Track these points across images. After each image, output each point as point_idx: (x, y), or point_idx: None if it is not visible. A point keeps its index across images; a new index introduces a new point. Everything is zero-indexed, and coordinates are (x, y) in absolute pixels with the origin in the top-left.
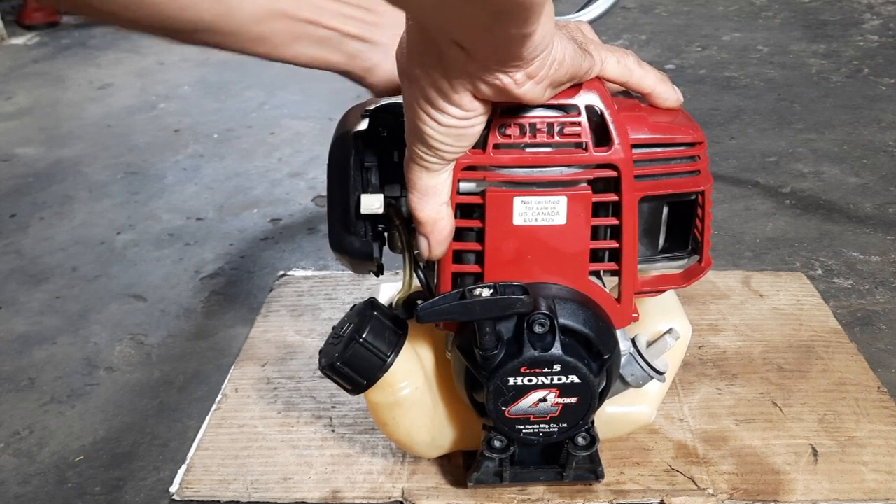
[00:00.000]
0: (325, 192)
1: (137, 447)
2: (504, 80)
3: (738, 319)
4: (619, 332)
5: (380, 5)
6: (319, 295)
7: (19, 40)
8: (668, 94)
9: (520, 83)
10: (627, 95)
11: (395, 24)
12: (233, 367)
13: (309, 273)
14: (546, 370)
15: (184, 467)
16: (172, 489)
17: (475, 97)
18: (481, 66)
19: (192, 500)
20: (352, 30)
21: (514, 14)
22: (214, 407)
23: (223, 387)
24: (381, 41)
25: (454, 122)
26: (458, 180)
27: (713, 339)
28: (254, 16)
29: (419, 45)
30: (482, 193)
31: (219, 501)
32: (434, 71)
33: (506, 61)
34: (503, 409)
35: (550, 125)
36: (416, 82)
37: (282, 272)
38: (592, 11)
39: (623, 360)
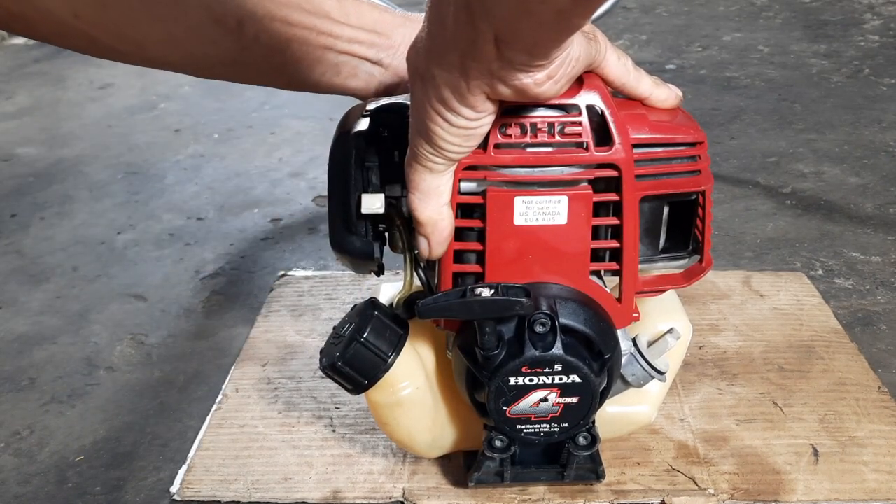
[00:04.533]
0: (325, 192)
1: (138, 447)
2: (525, 80)
3: (738, 319)
4: (619, 332)
5: (390, 29)
6: (320, 295)
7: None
8: (665, 95)
9: (540, 83)
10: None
11: (405, 46)
12: (233, 367)
13: (309, 273)
14: (547, 370)
15: (184, 467)
16: (173, 489)
17: (489, 98)
18: (507, 64)
19: (192, 501)
20: (366, 54)
21: (578, 11)
22: (215, 407)
23: (223, 387)
24: (392, 64)
25: (465, 122)
26: (459, 180)
27: (714, 339)
28: (272, 46)
29: (445, 43)
30: (483, 193)
31: (219, 501)
32: (454, 70)
33: (534, 58)
34: (504, 408)
35: (551, 125)
36: (432, 82)
37: (282, 272)
38: None
39: (624, 359)
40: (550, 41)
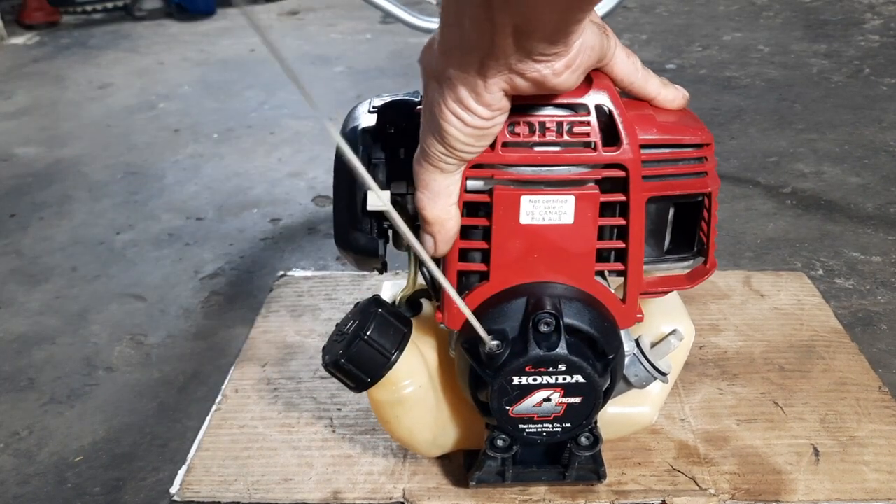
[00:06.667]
0: (324, 192)
1: (137, 448)
2: (544, 71)
3: (739, 319)
4: (623, 333)
5: None
6: (319, 295)
7: (19, 40)
8: (672, 96)
9: (558, 73)
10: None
11: None
12: (233, 368)
13: (309, 273)
14: (551, 369)
15: (184, 468)
16: (173, 490)
17: (506, 95)
18: (526, 56)
19: (192, 501)
20: None
21: None
22: (214, 407)
23: (223, 387)
24: None
25: (480, 122)
26: (466, 178)
27: (714, 339)
28: None
29: (462, 43)
30: (490, 192)
31: (219, 502)
32: (471, 69)
33: (554, 45)
34: (507, 408)
35: (560, 124)
36: (449, 83)
37: (281, 272)
38: (597, 10)
39: (627, 360)
40: (571, 22)
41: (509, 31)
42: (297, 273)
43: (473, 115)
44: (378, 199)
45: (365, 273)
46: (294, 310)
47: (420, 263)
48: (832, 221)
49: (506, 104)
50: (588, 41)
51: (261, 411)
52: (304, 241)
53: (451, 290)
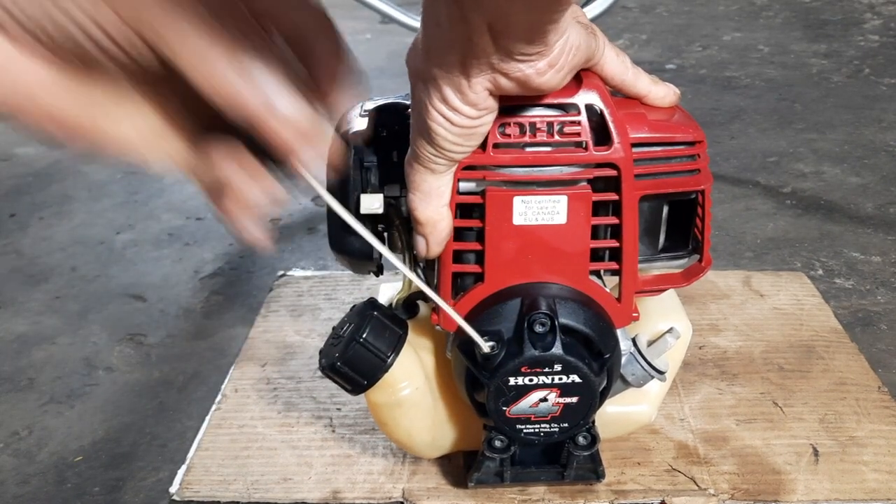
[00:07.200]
0: None
1: (137, 447)
2: (527, 70)
3: (738, 319)
4: (619, 332)
5: None
6: (319, 295)
7: None
8: (663, 93)
9: (542, 72)
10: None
11: None
12: (232, 368)
13: (308, 273)
14: (547, 370)
15: (184, 468)
16: (172, 489)
17: (491, 94)
18: (506, 55)
19: (191, 501)
20: None
21: None
22: (214, 407)
23: (223, 387)
24: None
25: (467, 121)
26: (458, 180)
27: (714, 339)
28: None
29: (442, 43)
30: (482, 193)
31: (219, 502)
32: (454, 69)
33: (533, 45)
34: (504, 408)
35: (550, 124)
36: (433, 82)
37: (281, 272)
38: (592, 10)
39: (623, 359)
40: (545, 22)
41: (485, 30)
42: (296, 273)
43: (459, 115)
44: (372, 203)
45: None
46: (294, 310)
47: (416, 265)
48: (832, 221)
49: (492, 104)
50: (572, 41)
51: (260, 411)
52: (304, 241)
53: (430, 292)
